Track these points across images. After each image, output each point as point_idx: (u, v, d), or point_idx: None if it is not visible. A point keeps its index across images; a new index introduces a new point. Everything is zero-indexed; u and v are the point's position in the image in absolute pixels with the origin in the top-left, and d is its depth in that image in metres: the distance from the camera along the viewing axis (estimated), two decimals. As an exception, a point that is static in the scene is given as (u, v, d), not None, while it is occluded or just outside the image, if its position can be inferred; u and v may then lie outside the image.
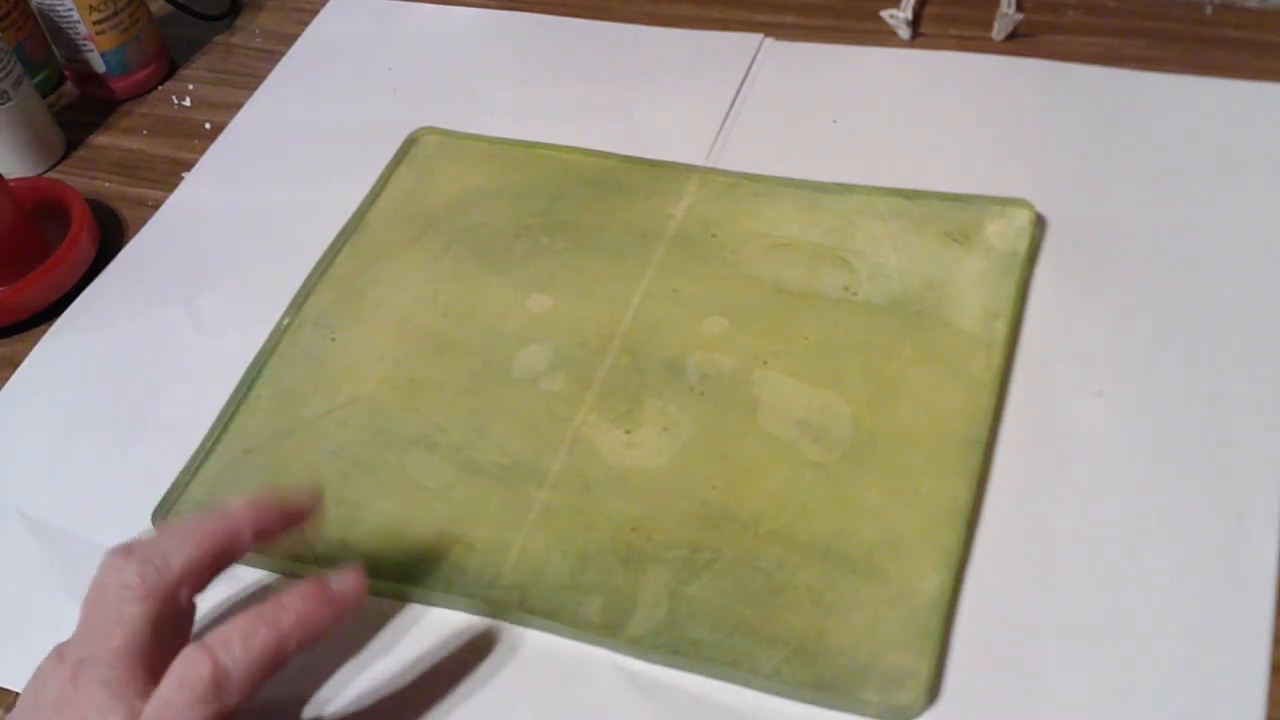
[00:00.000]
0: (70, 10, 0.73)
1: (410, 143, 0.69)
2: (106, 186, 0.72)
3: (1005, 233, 0.58)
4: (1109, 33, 0.68)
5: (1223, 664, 0.44)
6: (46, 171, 0.74)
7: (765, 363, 0.55)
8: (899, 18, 0.70)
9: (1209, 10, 0.68)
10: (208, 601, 0.51)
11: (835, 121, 0.66)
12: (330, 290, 0.62)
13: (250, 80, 0.77)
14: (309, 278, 0.62)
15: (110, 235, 0.69)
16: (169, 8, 0.81)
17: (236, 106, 0.75)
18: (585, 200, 0.64)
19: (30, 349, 0.63)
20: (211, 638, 0.39)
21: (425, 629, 0.49)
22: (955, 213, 0.59)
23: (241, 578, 0.51)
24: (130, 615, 0.40)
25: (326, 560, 0.51)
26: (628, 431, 0.53)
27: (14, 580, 0.53)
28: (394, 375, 0.57)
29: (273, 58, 0.78)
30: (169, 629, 0.42)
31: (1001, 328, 0.54)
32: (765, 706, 0.45)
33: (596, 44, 0.74)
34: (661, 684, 0.46)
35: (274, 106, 0.74)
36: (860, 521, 0.49)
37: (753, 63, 0.70)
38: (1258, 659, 0.44)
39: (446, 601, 0.49)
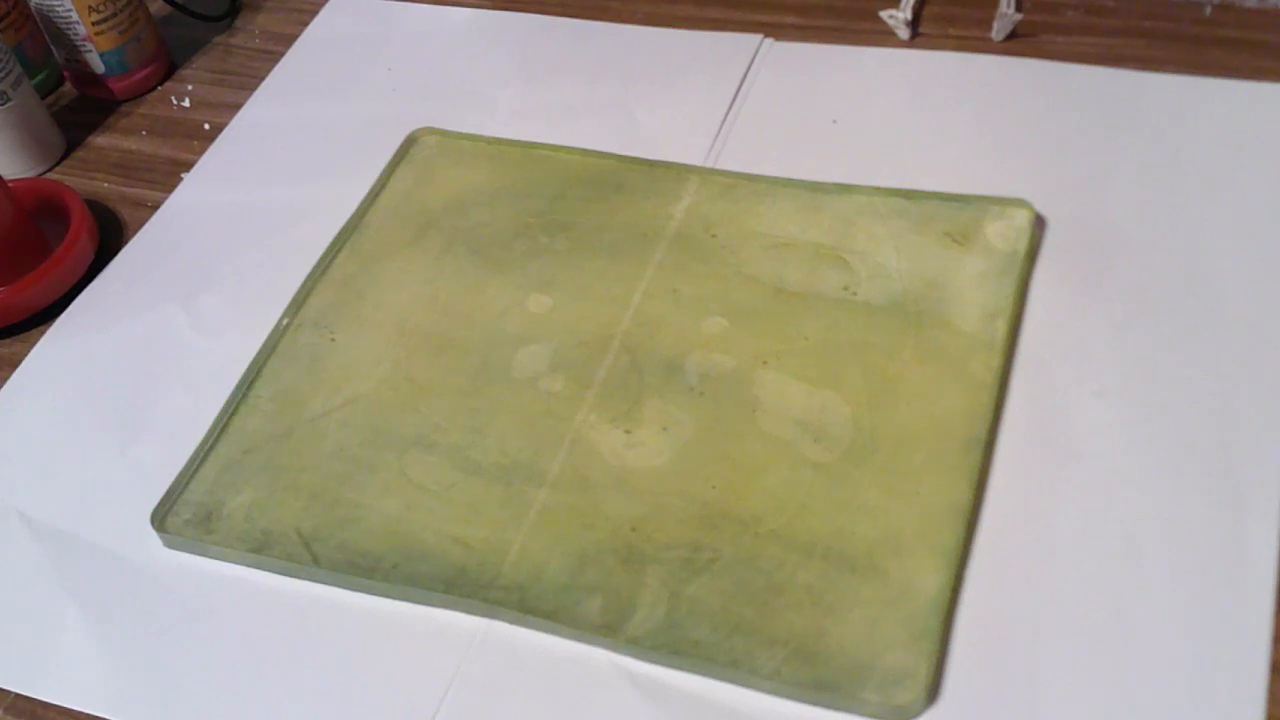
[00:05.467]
0: (69, 11, 0.73)
1: (410, 143, 0.69)
2: (106, 187, 0.72)
3: (1005, 233, 0.58)
4: (1108, 33, 0.68)
5: (1223, 664, 0.44)
6: (46, 172, 0.74)
7: (765, 363, 0.55)
8: (898, 18, 0.70)
9: (1208, 10, 0.68)
10: (218, 605, 0.51)
11: (835, 121, 0.66)
12: (330, 290, 0.62)
13: (249, 80, 0.77)
14: (309, 278, 0.62)
15: (110, 235, 0.69)
16: (168, 8, 0.81)
17: (236, 107, 0.75)
18: (585, 200, 0.64)
19: (30, 349, 0.63)
20: None
21: (425, 629, 0.49)
22: (955, 213, 0.59)
23: (245, 580, 0.51)
24: None
25: (326, 561, 0.51)
26: (627, 431, 0.53)
27: (13, 580, 0.53)
28: (394, 375, 0.57)
29: (272, 58, 0.78)
30: None
31: (1001, 328, 0.54)
32: (765, 706, 0.45)
33: (596, 44, 0.74)
34: (661, 684, 0.46)
35: (273, 107, 0.74)
36: (860, 521, 0.49)
37: (752, 63, 0.70)
38: (1258, 659, 0.44)
39: (446, 602, 0.49)
